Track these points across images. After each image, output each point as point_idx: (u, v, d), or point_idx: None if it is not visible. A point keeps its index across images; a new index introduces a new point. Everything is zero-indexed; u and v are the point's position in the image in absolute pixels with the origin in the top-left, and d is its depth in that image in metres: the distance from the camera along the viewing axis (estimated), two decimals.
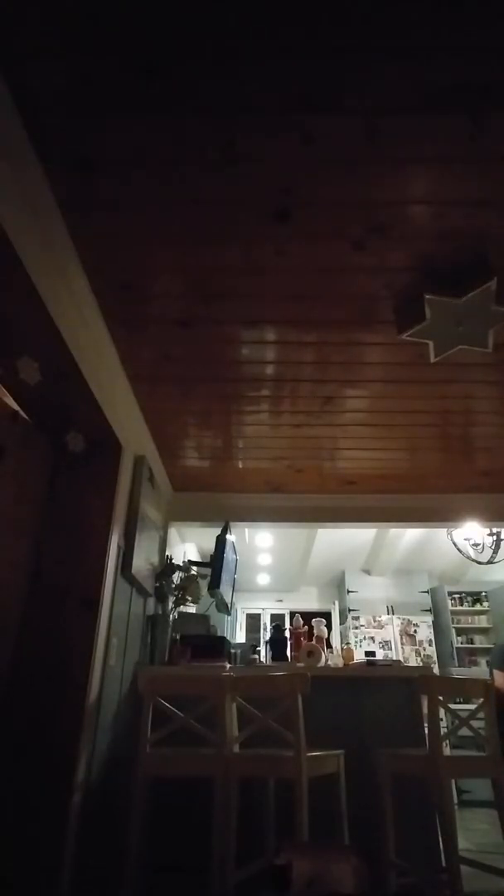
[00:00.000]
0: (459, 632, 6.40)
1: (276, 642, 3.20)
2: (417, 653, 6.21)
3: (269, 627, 7.34)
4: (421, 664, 6.03)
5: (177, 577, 3.22)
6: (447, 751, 2.03)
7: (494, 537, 4.48)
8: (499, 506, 3.65)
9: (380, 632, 6.32)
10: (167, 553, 3.42)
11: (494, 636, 6.53)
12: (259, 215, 1.66)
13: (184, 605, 3.23)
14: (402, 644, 6.25)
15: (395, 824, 2.13)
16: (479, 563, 4.58)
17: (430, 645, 6.25)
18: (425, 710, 2.11)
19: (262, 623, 7.52)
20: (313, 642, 2.98)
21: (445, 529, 4.44)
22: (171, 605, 3.18)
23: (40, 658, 1.99)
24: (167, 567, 3.20)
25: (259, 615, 7.61)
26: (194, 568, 3.31)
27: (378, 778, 2.17)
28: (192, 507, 3.69)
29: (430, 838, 2.30)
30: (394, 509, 3.71)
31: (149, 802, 1.94)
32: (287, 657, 3.19)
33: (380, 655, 5.46)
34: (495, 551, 4.49)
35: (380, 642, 6.25)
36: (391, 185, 1.56)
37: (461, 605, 6.54)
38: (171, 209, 1.65)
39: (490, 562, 4.51)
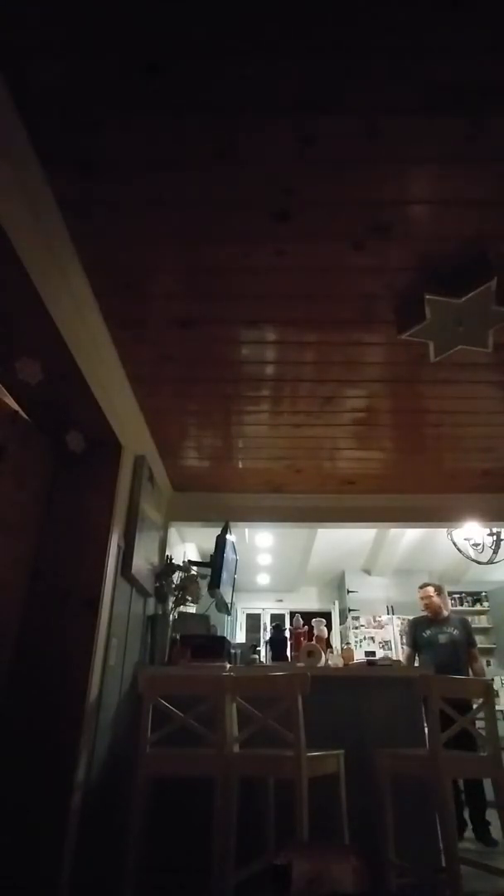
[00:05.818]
0: None
1: (276, 642, 3.20)
2: None
3: (269, 627, 7.33)
4: None
5: (177, 577, 3.22)
6: None
7: (494, 537, 4.48)
8: (499, 506, 3.65)
9: (380, 632, 6.32)
10: (167, 553, 3.42)
11: (495, 636, 6.53)
12: (259, 215, 1.66)
13: (184, 605, 3.23)
14: (403, 644, 6.24)
15: (395, 824, 2.13)
16: (479, 563, 4.58)
17: None
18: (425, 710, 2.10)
19: (262, 623, 7.52)
20: (313, 642, 2.98)
21: (445, 529, 4.44)
22: (171, 605, 3.18)
23: (40, 658, 1.99)
24: (167, 567, 3.20)
25: (259, 615, 7.60)
26: (194, 568, 3.31)
27: (378, 778, 2.16)
28: (192, 507, 3.69)
29: (430, 838, 2.30)
30: (394, 509, 3.71)
31: (149, 802, 1.94)
32: (287, 657, 3.18)
33: (380, 655, 5.46)
34: (495, 551, 4.49)
35: (380, 642, 6.25)
36: (391, 185, 1.56)
37: (461, 605, 6.54)
38: (170, 209, 1.65)
39: (490, 562, 4.51)
